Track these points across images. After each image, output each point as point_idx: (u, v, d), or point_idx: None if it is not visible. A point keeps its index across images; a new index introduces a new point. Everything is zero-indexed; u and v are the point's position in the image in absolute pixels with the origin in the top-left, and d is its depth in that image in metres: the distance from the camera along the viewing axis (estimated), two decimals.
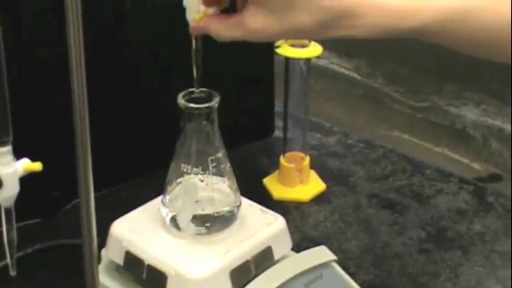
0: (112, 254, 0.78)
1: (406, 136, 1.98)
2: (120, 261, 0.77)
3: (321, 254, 0.78)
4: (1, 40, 0.57)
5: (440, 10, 0.65)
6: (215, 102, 0.74)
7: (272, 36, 0.68)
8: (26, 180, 0.62)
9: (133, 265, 0.75)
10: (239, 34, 0.68)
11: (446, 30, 0.66)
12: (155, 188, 0.81)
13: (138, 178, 1.02)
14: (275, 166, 1.05)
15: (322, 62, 2.09)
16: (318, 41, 0.98)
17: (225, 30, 0.69)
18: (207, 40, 0.72)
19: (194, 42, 0.72)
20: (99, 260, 0.80)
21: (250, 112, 1.12)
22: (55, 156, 0.87)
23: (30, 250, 0.88)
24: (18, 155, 0.61)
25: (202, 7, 0.71)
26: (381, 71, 2.02)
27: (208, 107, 0.74)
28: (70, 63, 0.62)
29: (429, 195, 1.03)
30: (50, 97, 0.91)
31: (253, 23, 0.67)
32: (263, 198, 0.98)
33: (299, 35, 0.72)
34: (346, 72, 2.08)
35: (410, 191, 1.04)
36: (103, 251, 0.80)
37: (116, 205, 0.88)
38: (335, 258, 0.78)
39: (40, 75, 0.91)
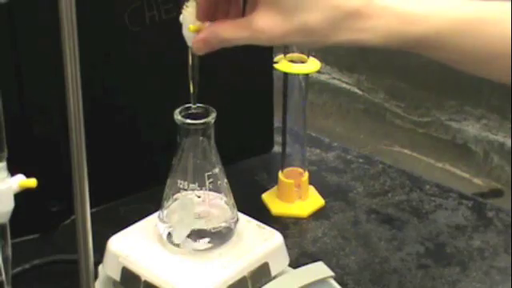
0: (109, 269, 0.78)
1: (407, 151, 1.98)
2: (117, 277, 0.77)
3: (318, 270, 0.78)
4: None
5: (450, 18, 0.65)
6: (212, 118, 0.74)
7: (279, 36, 0.66)
8: (25, 195, 0.62)
9: (129, 281, 0.75)
10: (245, 34, 0.67)
11: (454, 40, 0.65)
12: (154, 203, 0.81)
13: (137, 194, 1.02)
14: (274, 181, 1.05)
15: (323, 77, 2.10)
16: (317, 56, 0.98)
17: (231, 30, 0.68)
18: (205, 55, 0.73)
19: (190, 57, 0.72)
20: (96, 275, 0.80)
21: (249, 127, 1.12)
22: (54, 171, 0.88)
23: (27, 266, 0.88)
24: (17, 170, 0.62)
25: (199, 22, 0.71)
26: (382, 86, 2.02)
27: (204, 123, 0.74)
28: (65, 81, 0.62)
29: (428, 211, 1.03)
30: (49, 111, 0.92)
31: (261, 22, 0.65)
32: (262, 214, 0.97)
33: (307, 36, 0.68)
34: (347, 87, 2.09)
35: (408, 207, 1.04)
36: (101, 267, 0.80)
37: (114, 220, 0.88)
38: (332, 274, 0.78)
39: (39, 93, 0.91)
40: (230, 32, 0.68)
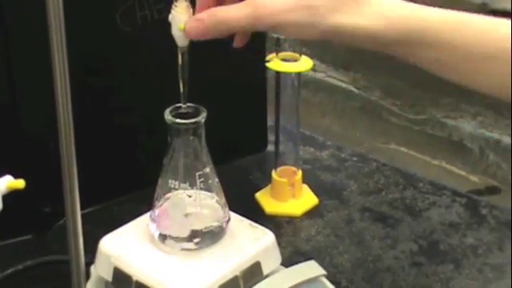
0: (101, 269, 0.78)
1: (403, 149, 1.98)
2: (109, 277, 0.77)
3: (310, 269, 0.78)
4: None
5: (441, 14, 0.66)
6: (202, 118, 0.74)
7: (280, 12, 0.66)
8: (18, 196, 0.62)
9: (121, 281, 0.75)
10: (246, 10, 0.66)
11: (445, 35, 0.66)
12: (146, 204, 0.80)
13: (130, 194, 1.02)
14: (268, 180, 1.05)
15: (318, 76, 2.10)
16: (313, 54, 0.98)
17: (230, 8, 0.67)
18: (198, 55, 0.72)
19: (180, 57, 0.72)
20: (89, 276, 0.80)
21: (243, 127, 1.12)
22: (47, 172, 0.88)
23: (20, 267, 0.88)
24: (10, 172, 0.61)
25: None
26: (378, 84, 2.02)
27: (195, 122, 0.74)
28: (54, 75, 0.62)
29: (421, 208, 1.03)
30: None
31: None
32: (255, 213, 0.97)
33: (307, 14, 0.66)
34: (343, 85, 2.09)
35: (402, 204, 1.04)
36: (93, 267, 0.80)
37: (107, 220, 0.88)
38: (324, 272, 0.78)
39: (30, 92, 0.91)
40: (229, 10, 0.67)
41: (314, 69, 0.98)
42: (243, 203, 0.84)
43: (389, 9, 0.66)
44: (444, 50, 0.67)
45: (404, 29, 0.66)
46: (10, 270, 0.86)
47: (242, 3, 0.67)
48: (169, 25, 0.73)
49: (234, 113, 1.08)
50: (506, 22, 0.67)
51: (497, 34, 0.66)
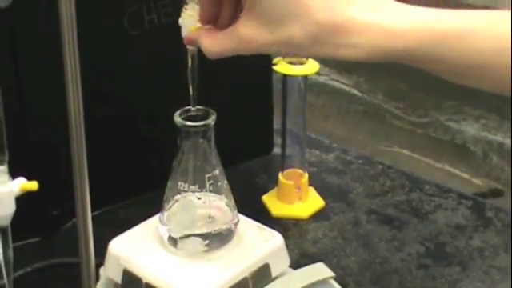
0: (110, 272, 0.78)
1: (406, 152, 1.98)
2: (118, 279, 0.77)
3: (318, 271, 0.78)
4: None
5: (432, 31, 0.64)
6: (212, 120, 0.74)
7: (263, 46, 0.66)
8: (26, 199, 0.63)
9: (131, 283, 0.75)
10: (231, 44, 0.67)
11: (436, 52, 0.64)
12: (153, 206, 0.81)
13: (137, 197, 1.02)
14: (274, 183, 1.05)
15: (322, 79, 2.10)
16: (315, 58, 0.98)
17: (216, 41, 0.68)
18: (206, 58, 0.73)
19: (189, 60, 0.72)
20: (98, 278, 0.80)
21: (249, 129, 1.12)
22: (55, 174, 0.88)
23: (29, 269, 0.88)
24: (18, 174, 0.62)
25: (199, 25, 0.71)
26: (381, 87, 2.02)
27: (204, 125, 0.74)
28: (66, 84, 0.62)
29: (428, 211, 1.03)
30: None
31: (245, 32, 0.66)
32: (262, 215, 0.98)
33: (290, 48, 0.68)
34: (347, 88, 2.09)
35: (408, 207, 1.04)
36: (102, 269, 0.80)
37: (115, 223, 0.88)
38: (333, 274, 0.78)
39: (39, 96, 0.91)
40: (216, 43, 0.68)
41: (316, 72, 0.98)
42: (250, 206, 0.85)
43: (370, 37, 0.65)
44: (436, 63, 0.67)
45: (389, 55, 0.65)
46: (18, 273, 0.87)
47: (227, 34, 0.68)
48: (177, 28, 0.73)
49: (240, 116, 1.08)
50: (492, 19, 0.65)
51: (485, 42, 0.65)
